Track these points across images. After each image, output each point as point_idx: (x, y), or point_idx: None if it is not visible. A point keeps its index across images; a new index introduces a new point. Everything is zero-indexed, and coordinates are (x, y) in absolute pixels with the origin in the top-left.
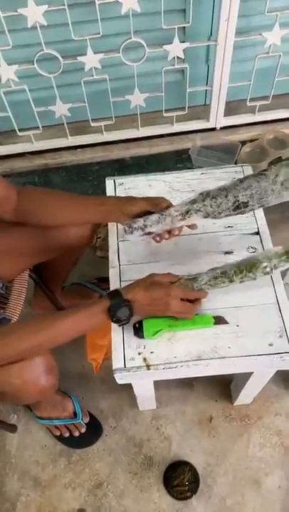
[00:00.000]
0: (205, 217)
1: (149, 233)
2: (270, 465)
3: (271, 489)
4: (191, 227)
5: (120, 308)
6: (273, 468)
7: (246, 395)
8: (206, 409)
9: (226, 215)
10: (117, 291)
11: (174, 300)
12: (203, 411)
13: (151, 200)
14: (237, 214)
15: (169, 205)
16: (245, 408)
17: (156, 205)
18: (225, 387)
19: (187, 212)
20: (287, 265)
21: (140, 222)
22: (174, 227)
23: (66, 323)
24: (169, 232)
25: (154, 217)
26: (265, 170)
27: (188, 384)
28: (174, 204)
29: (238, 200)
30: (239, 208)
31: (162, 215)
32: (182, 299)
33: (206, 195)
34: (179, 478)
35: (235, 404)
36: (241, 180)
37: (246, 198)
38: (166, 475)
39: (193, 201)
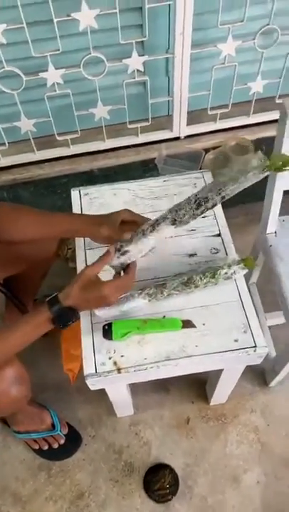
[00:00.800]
0: (173, 223)
1: (126, 252)
2: (248, 461)
3: (250, 485)
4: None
5: (62, 315)
6: (251, 465)
7: (221, 394)
8: (183, 412)
9: (192, 217)
10: (55, 299)
11: (110, 296)
12: (181, 413)
13: (118, 226)
14: (202, 213)
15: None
16: (221, 407)
17: (113, 232)
18: (200, 388)
19: (156, 221)
20: (244, 271)
21: (117, 244)
22: (148, 243)
23: (15, 336)
24: None
25: (127, 235)
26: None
27: (164, 388)
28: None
29: (198, 197)
30: (200, 204)
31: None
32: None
33: (174, 211)
34: (160, 482)
35: (211, 404)
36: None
37: (205, 194)
38: (147, 479)
39: (163, 219)
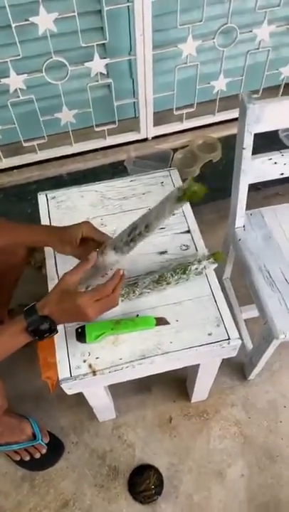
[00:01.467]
0: (116, 251)
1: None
2: (232, 455)
3: (235, 478)
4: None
5: (38, 325)
6: (235, 458)
7: (201, 391)
8: (165, 411)
9: (129, 246)
10: (32, 309)
11: (88, 308)
12: (163, 413)
13: (73, 249)
14: (134, 242)
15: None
16: (202, 404)
17: (77, 253)
18: (181, 386)
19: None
20: (214, 265)
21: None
22: (104, 267)
23: None
24: None
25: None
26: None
27: (146, 389)
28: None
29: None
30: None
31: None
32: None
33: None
34: (145, 483)
35: (192, 401)
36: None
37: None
38: (131, 482)
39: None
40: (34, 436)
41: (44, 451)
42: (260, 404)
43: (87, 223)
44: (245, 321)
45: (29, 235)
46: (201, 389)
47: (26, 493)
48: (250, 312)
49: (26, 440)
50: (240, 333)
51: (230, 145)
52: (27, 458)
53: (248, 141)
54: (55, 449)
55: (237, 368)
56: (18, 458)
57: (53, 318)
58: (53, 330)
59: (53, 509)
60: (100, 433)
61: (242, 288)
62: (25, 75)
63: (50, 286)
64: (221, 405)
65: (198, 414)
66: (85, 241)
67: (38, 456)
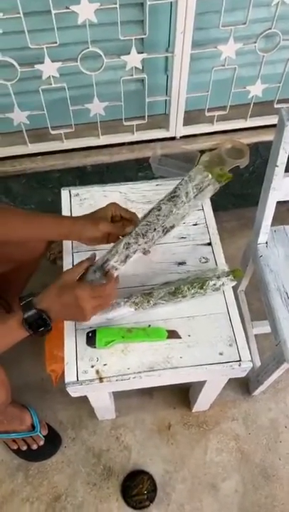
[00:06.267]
0: (143, 253)
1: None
2: (228, 470)
3: (228, 493)
4: (146, 253)
5: (35, 319)
6: (230, 473)
7: (203, 402)
8: (165, 417)
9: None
10: (30, 302)
11: (86, 303)
12: (163, 419)
13: (108, 224)
14: (166, 235)
15: (126, 223)
16: (203, 414)
17: (114, 228)
18: (183, 394)
19: (126, 257)
20: (233, 283)
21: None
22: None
23: None
24: None
25: (98, 275)
26: (174, 191)
27: (147, 392)
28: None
29: (166, 227)
30: (168, 231)
31: (103, 266)
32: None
33: (136, 236)
34: (138, 488)
35: (193, 410)
36: (159, 209)
37: (172, 223)
38: (125, 485)
39: (127, 245)
40: (33, 427)
41: (41, 443)
42: (261, 422)
43: (114, 203)
44: (256, 336)
45: (53, 228)
46: (204, 401)
47: (20, 482)
48: (262, 328)
49: (25, 430)
50: (249, 349)
51: (259, 152)
52: (24, 448)
53: (283, 159)
54: (53, 442)
55: (242, 382)
56: (15, 447)
57: (49, 312)
58: (48, 326)
59: (45, 501)
60: (98, 431)
61: (256, 301)
62: (60, 62)
63: None
64: (221, 418)
65: (197, 424)
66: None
67: (35, 447)
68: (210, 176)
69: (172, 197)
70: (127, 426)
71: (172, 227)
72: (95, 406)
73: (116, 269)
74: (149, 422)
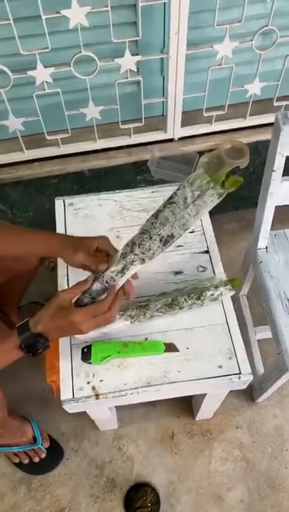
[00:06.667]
0: (142, 263)
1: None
2: (232, 479)
3: (234, 504)
4: (134, 276)
5: (32, 342)
6: (235, 482)
7: (206, 411)
8: (168, 426)
9: (160, 252)
10: (25, 325)
11: (82, 324)
12: (166, 428)
13: (86, 257)
14: (168, 246)
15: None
16: (206, 423)
17: (88, 261)
18: (187, 402)
19: (123, 268)
20: (231, 293)
21: (87, 298)
22: (119, 284)
23: None
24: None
25: (97, 286)
26: (172, 197)
27: (150, 402)
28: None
29: (163, 237)
30: (167, 241)
31: (102, 280)
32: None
33: (132, 245)
34: (141, 500)
35: (197, 419)
36: (156, 216)
37: (169, 231)
38: (128, 497)
39: (124, 255)
40: (34, 440)
41: (43, 455)
42: (266, 429)
43: (105, 237)
44: (259, 341)
45: (43, 246)
46: (207, 410)
47: (23, 496)
48: (265, 333)
49: (27, 443)
50: (252, 355)
51: (259, 152)
52: (26, 461)
53: (280, 163)
54: (55, 454)
55: (245, 389)
56: (17, 460)
57: (46, 334)
58: (46, 346)
59: None
60: (100, 442)
61: (258, 306)
62: (53, 68)
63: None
64: (225, 426)
65: (201, 433)
66: (98, 254)
67: (36, 460)
68: (208, 178)
69: (170, 203)
70: (129, 436)
71: (171, 236)
72: (94, 418)
73: (114, 280)
74: (152, 431)
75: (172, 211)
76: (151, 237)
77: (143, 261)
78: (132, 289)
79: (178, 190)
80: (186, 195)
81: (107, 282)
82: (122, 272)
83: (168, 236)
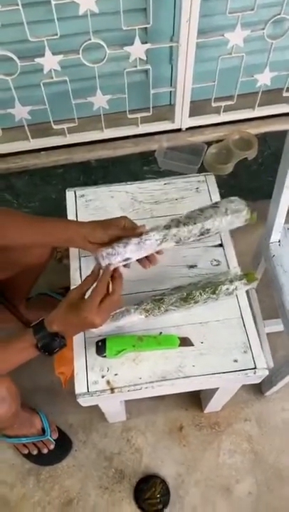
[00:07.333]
0: (177, 242)
1: (127, 259)
2: (241, 472)
3: (242, 496)
4: (160, 252)
5: (48, 341)
6: (244, 475)
7: (215, 404)
8: (176, 418)
9: (192, 240)
10: (41, 324)
11: (95, 317)
12: (174, 420)
13: (120, 228)
14: (199, 239)
15: (137, 231)
16: (215, 415)
17: (127, 232)
18: (195, 395)
19: (164, 237)
20: (247, 287)
21: (120, 248)
22: (150, 252)
23: None
24: (149, 260)
25: (134, 242)
26: (217, 202)
27: None
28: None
29: (204, 227)
30: (203, 234)
31: (142, 239)
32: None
33: (177, 222)
34: (151, 491)
35: (205, 411)
36: (201, 210)
37: (209, 226)
38: (138, 488)
39: (168, 227)
40: (43, 431)
41: (52, 446)
42: (275, 422)
43: (126, 216)
44: (268, 334)
45: (61, 233)
46: (216, 403)
47: (32, 487)
48: (274, 327)
49: (35, 434)
50: (263, 351)
51: (267, 143)
52: (35, 452)
53: None
54: (63, 445)
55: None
56: (26, 451)
57: (62, 333)
58: (63, 345)
59: (57, 505)
60: (108, 434)
61: (267, 298)
62: (61, 55)
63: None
64: (234, 418)
65: (210, 426)
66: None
67: (45, 451)
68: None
69: (213, 207)
70: (138, 428)
71: (208, 231)
72: (104, 411)
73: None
74: (160, 423)
75: (216, 211)
76: (195, 223)
77: (177, 242)
78: (155, 257)
79: (222, 200)
80: (227, 207)
81: (144, 242)
82: (161, 242)
83: (206, 230)
